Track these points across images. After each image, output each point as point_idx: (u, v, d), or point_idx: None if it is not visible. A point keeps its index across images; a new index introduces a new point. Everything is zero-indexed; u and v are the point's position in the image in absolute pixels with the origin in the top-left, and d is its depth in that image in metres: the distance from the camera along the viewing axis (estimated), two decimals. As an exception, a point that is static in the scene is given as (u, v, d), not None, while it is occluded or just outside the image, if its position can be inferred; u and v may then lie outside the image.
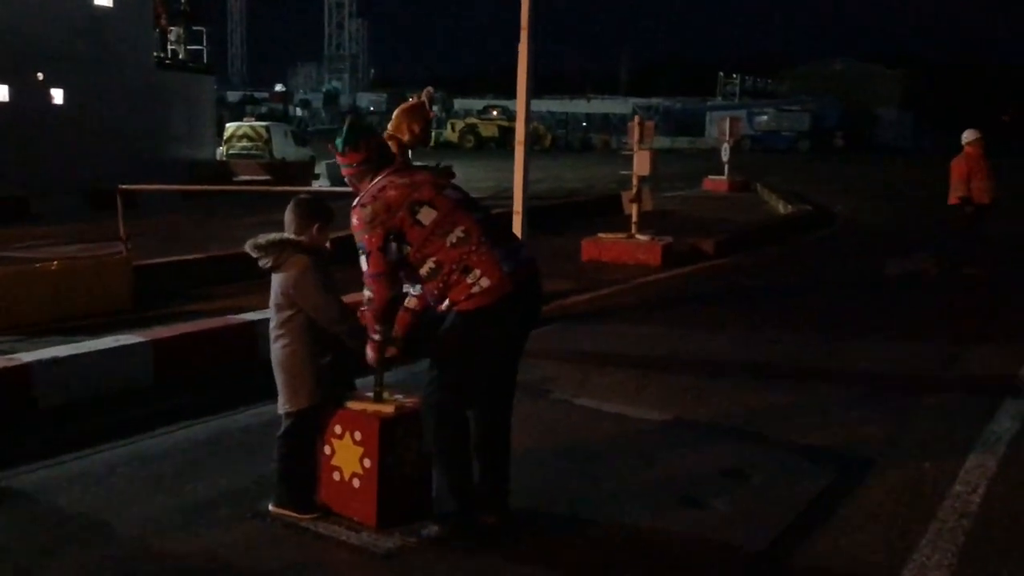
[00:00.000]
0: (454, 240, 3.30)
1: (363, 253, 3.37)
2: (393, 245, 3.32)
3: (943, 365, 6.79)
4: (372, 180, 3.47)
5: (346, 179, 3.58)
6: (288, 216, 3.64)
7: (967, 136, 10.62)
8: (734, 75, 61.81)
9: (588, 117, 57.85)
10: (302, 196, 3.82)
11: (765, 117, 48.54)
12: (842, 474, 4.43)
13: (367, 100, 62.62)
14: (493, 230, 3.43)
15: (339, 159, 3.55)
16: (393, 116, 5.05)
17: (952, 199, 10.48)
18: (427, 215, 3.32)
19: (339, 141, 3.53)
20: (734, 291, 9.89)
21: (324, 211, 3.67)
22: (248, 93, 63.67)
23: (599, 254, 11.19)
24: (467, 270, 3.28)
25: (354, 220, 3.39)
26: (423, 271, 3.35)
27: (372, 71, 74.83)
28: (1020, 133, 52.63)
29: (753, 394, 5.78)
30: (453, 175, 4.52)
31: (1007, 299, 9.64)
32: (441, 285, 3.33)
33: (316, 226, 3.61)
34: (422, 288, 3.43)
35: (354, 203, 3.44)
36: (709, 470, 4.37)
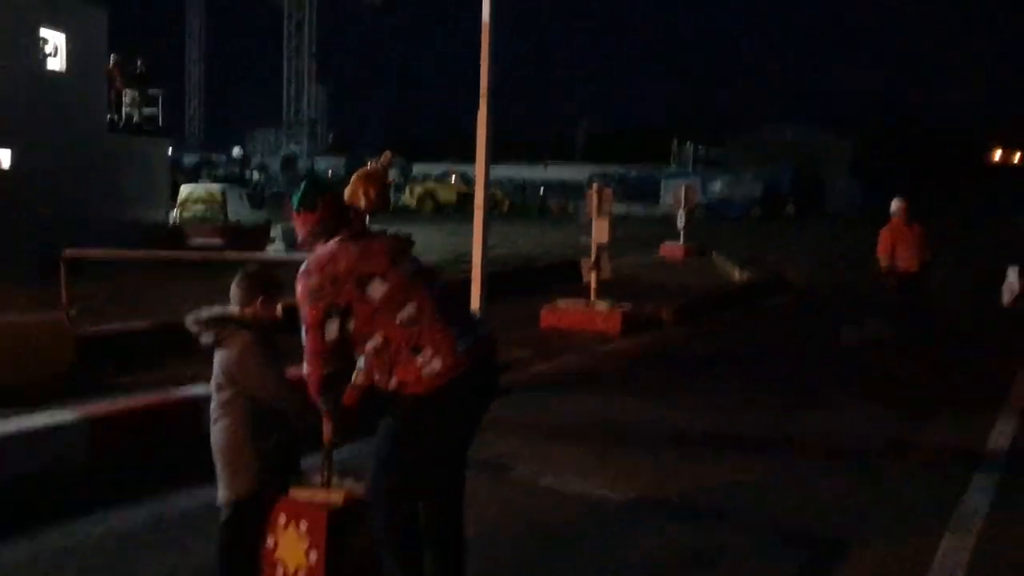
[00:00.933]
0: (404, 317, 3.08)
1: (303, 326, 3.17)
2: (336, 321, 3.09)
3: (907, 434, 6.73)
4: (326, 243, 3.25)
5: (299, 240, 3.38)
6: (233, 289, 3.46)
7: (893, 206, 10.94)
8: (687, 143, 63.12)
9: (546, 183, 58.45)
10: (248, 267, 3.64)
11: (718, 184, 49.44)
12: (815, 557, 4.27)
13: (325, 164, 62.69)
14: (448, 306, 3.22)
15: (294, 218, 3.35)
16: (350, 182, 4.91)
17: (880, 266, 10.80)
18: (377, 289, 3.10)
19: (295, 198, 3.34)
20: (694, 359, 9.83)
21: (270, 283, 3.49)
22: (205, 156, 63.41)
23: (558, 321, 11.08)
24: (417, 349, 3.05)
25: (298, 288, 3.17)
26: (368, 348, 3.11)
27: (331, 135, 75.18)
28: (964, 200, 54.22)
29: (717, 468, 5.64)
30: (412, 244, 4.40)
31: (955, 364, 9.69)
32: (388, 364, 3.08)
33: (261, 299, 3.42)
34: (366, 365, 3.18)
35: (300, 268, 3.22)
36: (673, 556, 4.19)
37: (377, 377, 3.14)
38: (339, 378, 3.22)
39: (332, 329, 3.10)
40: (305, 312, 3.14)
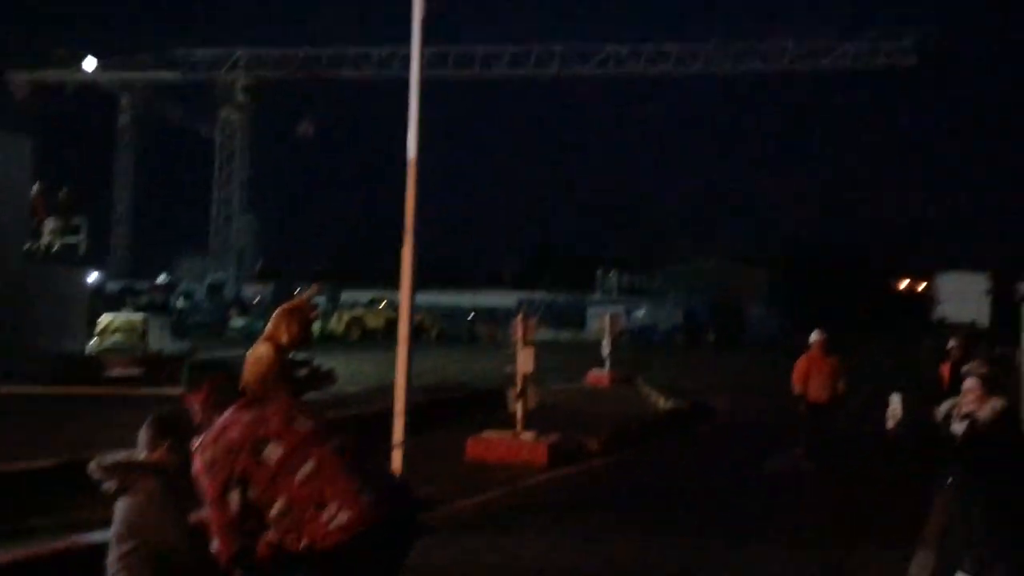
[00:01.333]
0: (303, 476, 3.03)
1: (206, 500, 3.09)
2: (236, 492, 3.03)
3: (832, 573, 6.77)
4: (220, 417, 3.23)
5: (195, 421, 3.35)
6: (141, 434, 3.39)
7: (812, 337, 11.39)
8: (612, 271, 64.71)
9: (474, 309, 58.88)
10: (159, 411, 3.58)
11: (642, 313, 50.51)
12: None
13: (252, 291, 62.19)
14: (352, 459, 3.18)
15: (185, 399, 3.35)
16: (272, 316, 4.91)
17: (794, 394, 11.12)
18: (273, 452, 3.05)
19: (183, 381, 3.36)
20: (620, 492, 9.80)
21: (180, 427, 3.43)
22: (128, 284, 62.32)
23: (484, 453, 10.99)
24: (322, 506, 3.00)
25: (195, 463, 3.13)
26: (272, 513, 3.03)
27: (259, 263, 74.80)
28: (875, 327, 56.28)
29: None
30: (334, 380, 4.34)
31: (868, 495, 9.86)
32: (296, 525, 3.01)
33: (168, 443, 3.35)
34: (275, 529, 3.10)
35: (195, 444, 3.19)
36: None
37: (287, 539, 3.07)
38: (250, 552, 3.13)
39: (234, 500, 3.03)
40: (205, 486, 3.08)
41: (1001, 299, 37.51)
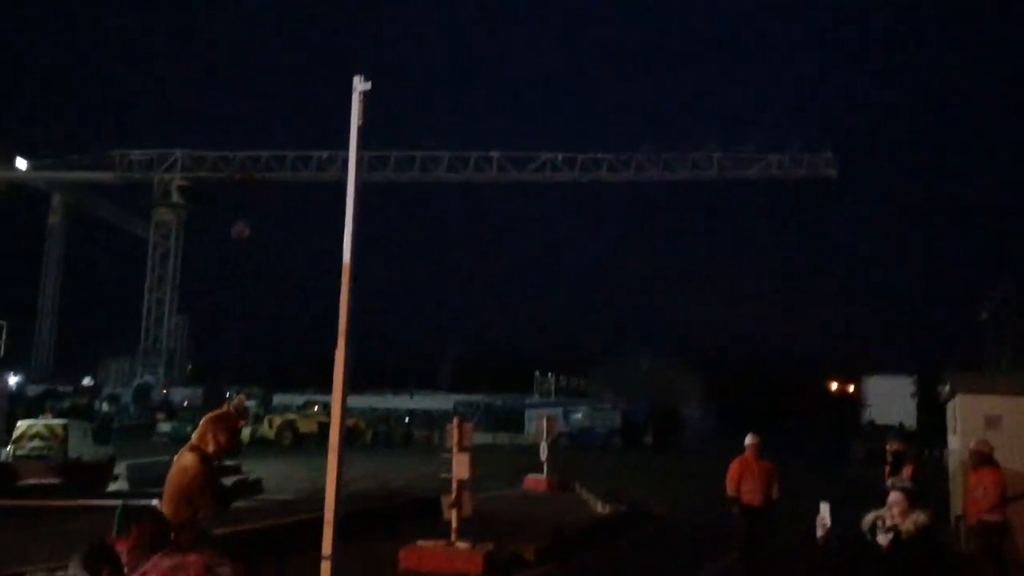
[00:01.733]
0: None
1: None
2: None
3: None
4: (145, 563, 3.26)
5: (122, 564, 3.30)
6: (73, 570, 3.24)
7: (746, 440, 11.46)
8: (549, 373, 64.80)
9: (411, 413, 58.13)
10: (85, 547, 3.41)
11: (580, 415, 50.46)
12: None
13: (181, 395, 60.45)
14: None
15: (114, 543, 3.34)
16: (200, 424, 4.77)
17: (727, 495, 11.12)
18: None
19: (114, 525, 3.39)
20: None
21: (109, 559, 3.29)
22: (51, 387, 60.16)
23: (418, 563, 10.67)
24: None
25: None
26: None
27: (190, 365, 73.08)
28: (806, 430, 57.02)
29: None
30: (261, 490, 4.26)
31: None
32: None
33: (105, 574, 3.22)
34: None
35: None
36: None
37: None
38: None
39: None
40: None
41: (926, 401, 38.49)
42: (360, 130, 8.51)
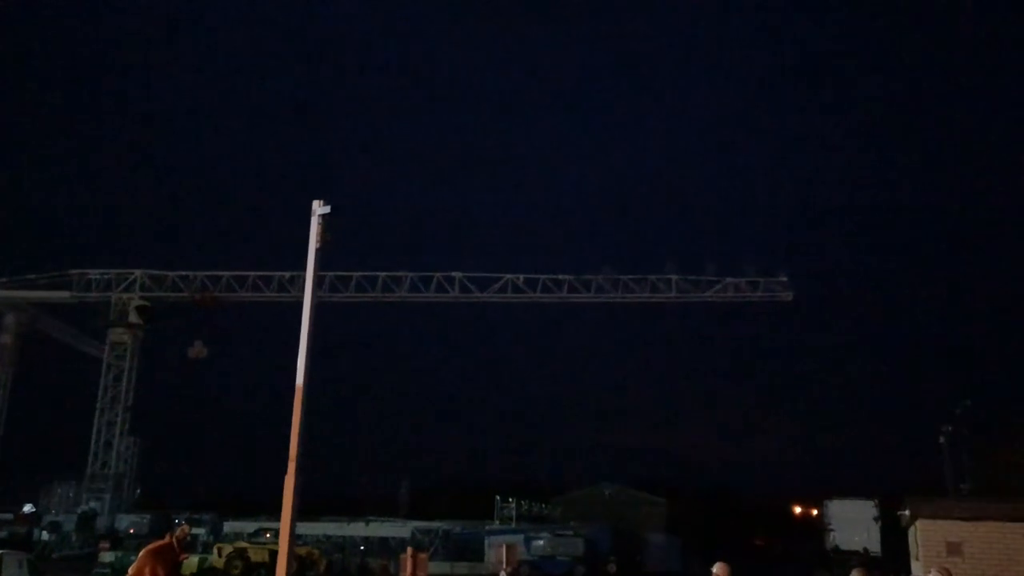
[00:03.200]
0: None
1: None
2: None
3: None
4: None
5: None
6: None
7: (715, 570, 11.23)
8: (510, 499, 63.45)
9: (367, 540, 56.25)
10: None
11: (542, 542, 49.16)
12: None
13: (127, 522, 57.93)
14: None
15: None
16: (138, 557, 4.55)
17: None
18: None
19: None
20: None
21: None
22: (-11, 514, 57.52)
23: None
24: None
25: None
26: None
27: (138, 491, 70.50)
28: (771, 556, 56.14)
29: None
30: None
31: None
32: None
33: None
34: None
35: None
36: None
37: None
38: None
39: None
40: None
41: (889, 525, 38.21)
42: (318, 252, 8.55)
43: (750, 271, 52.74)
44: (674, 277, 53.26)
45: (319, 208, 8.64)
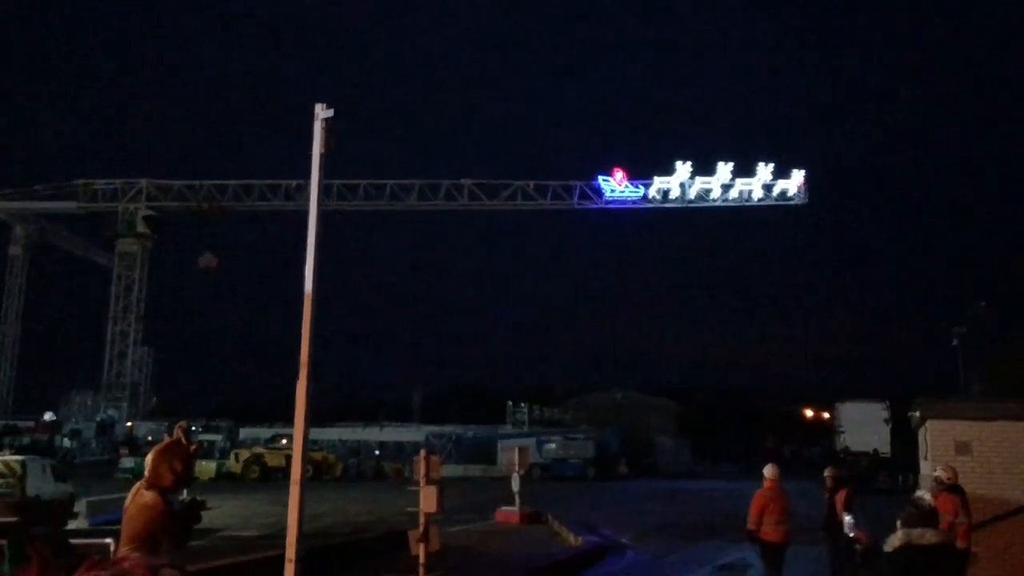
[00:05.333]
0: None
1: None
2: None
3: None
4: None
5: None
6: None
7: (767, 471, 11.14)
8: (522, 404, 64.38)
9: (381, 445, 57.44)
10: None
11: (553, 445, 50.05)
12: None
13: (145, 429, 59.16)
14: None
15: None
16: (147, 461, 4.48)
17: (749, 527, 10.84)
18: None
19: (6, 566, 3.07)
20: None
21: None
22: (10, 423, 58.75)
23: (383, 602, 10.32)
24: None
25: None
26: None
27: (154, 399, 71.79)
28: (781, 457, 57.04)
29: None
30: (204, 508, 4.05)
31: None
32: None
33: None
34: None
35: None
36: None
37: None
38: None
39: None
40: None
41: (899, 427, 38.61)
42: (322, 158, 8.31)
43: (764, 173, 51.92)
44: (684, 180, 52.55)
45: (322, 112, 8.35)
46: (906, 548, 4.87)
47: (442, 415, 69.99)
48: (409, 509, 11.63)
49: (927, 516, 5.07)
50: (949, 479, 9.85)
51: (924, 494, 7.37)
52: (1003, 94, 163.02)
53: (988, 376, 35.86)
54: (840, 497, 11.18)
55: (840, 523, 10.89)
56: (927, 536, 4.89)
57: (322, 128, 8.12)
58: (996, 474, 13.60)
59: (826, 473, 11.71)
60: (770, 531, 10.66)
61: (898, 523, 4.99)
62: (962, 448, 14.28)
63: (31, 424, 59.11)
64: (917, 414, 17.15)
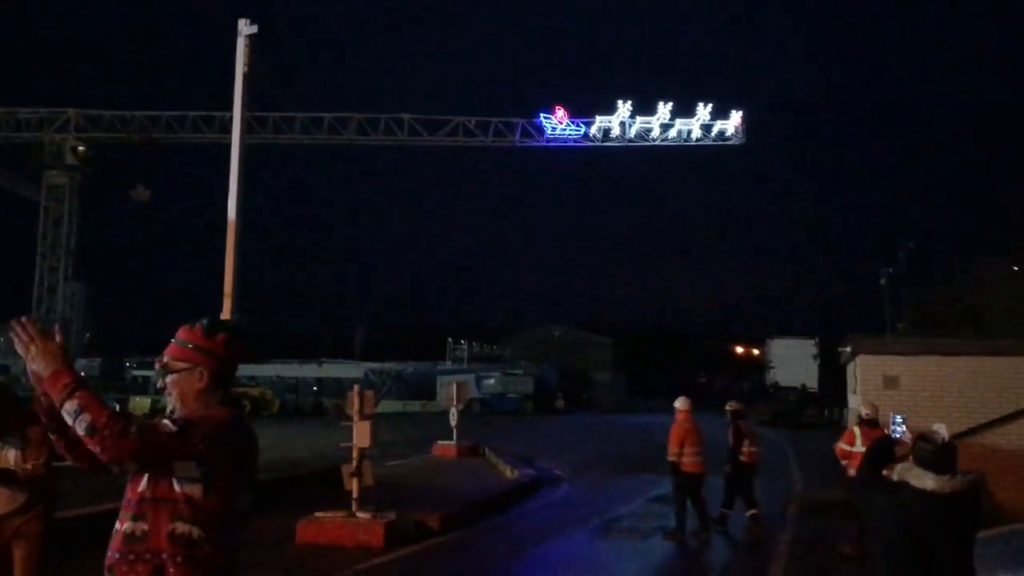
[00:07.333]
0: (233, 543, 2.71)
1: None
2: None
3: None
4: (200, 401, 2.77)
5: (168, 361, 2.84)
6: None
7: (678, 404, 11.37)
8: (461, 341, 64.50)
9: (319, 381, 57.17)
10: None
11: (492, 380, 50.40)
12: None
13: (78, 365, 57.86)
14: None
15: (183, 334, 2.85)
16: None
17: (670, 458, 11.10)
18: (242, 500, 2.74)
19: (209, 322, 2.87)
20: (459, 574, 9.27)
21: None
22: (-69, 360, 56.91)
23: (316, 536, 10.22)
24: None
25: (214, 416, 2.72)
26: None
27: (87, 335, 70.09)
28: (713, 392, 58.39)
29: None
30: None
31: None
32: (178, 560, 2.56)
33: None
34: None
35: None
36: None
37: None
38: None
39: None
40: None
41: (828, 363, 39.66)
42: (245, 77, 7.92)
43: (703, 113, 51.89)
44: (625, 119, 52.31)
45: (245, 28, 7.94)
46: (925, 495, 3.68)
47: (382, 353, 69.85)
48: (343, 445, 11.51)
49: (942, 455, 3.74)
50: (867, 415, 10.37)
51: (940, 427, 7.41)
52: (938, 23, 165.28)
53: (912, 316, 36.91)
54: (733, 430, 11.81)
55: (734, 451, 11.68)
56: (955, 482, 3.70)
57: (245, 45, 7.72)
58: (923, 407, 14.04)
59: (728, 407, 12.20)
60: (689, 463, 10.91)
61: (908, 462, 3.85)
62: (890, 382, 14.68)
63: (-46, 361, 57.31)
64: (848, 349, 17.55)
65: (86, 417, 2.47)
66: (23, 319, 2.64)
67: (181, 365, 2.80)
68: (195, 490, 2.55)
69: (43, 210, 60.24)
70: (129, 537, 2.55)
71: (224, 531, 2.62)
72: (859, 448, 9.88)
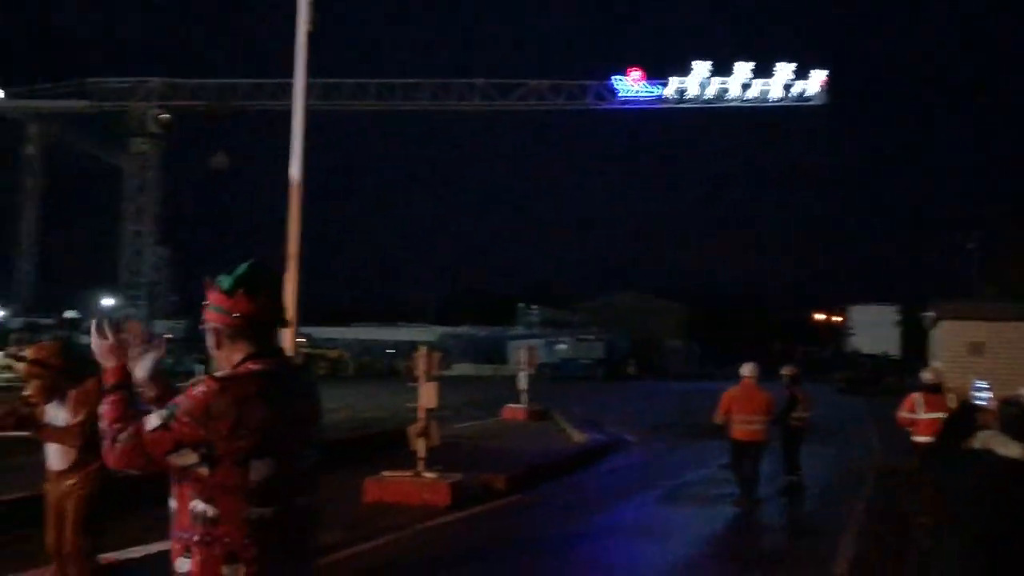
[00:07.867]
0: (255, 516, 2.47)
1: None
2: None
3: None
4: (238, 357, 2.62)
5: (207, 328, 2.70)
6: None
7: (743, 369, 11.09)
8: (533, 306, 64.58)
9: (396, 345, 58.08)
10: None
11: (563, 346, 50.38)
12: None
13: (164, 327, 59.94)
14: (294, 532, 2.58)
15: (214, 297, 2.70)
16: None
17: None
18: (260, 469, 2.47)
19: (228, 278, 2.68)
20: (524, 539, 9.27)
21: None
22: (32, 320, 59.49)
23: (383, 495, 10.36)
24: (232, 559, 2.44)
25: (201, 388, 2.49)
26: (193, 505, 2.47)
27: (175, 297, 72.45)
28: (791, 360, 57.27)
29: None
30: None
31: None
32: (196, 540, 2.45)
33: None
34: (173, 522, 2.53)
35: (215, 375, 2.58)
36: None
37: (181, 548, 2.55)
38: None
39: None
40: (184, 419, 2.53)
41: (910, 330, 38.52)
42: (309, 35, 7.92)
43: (784, 72, 50.31)
44: (702, 80, 51.06)
45: (308, -14, 7.90)
46: (1012, 464, 3.43)
47: (456, 317, 70.47)
48: (409, 405, 11.59)
49: None
50: (929, 380, 10.10)
51: None
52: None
53: (1002, 282, 35.44)
54: (788, 395, 11.69)
55: (789, 417, 11.54)
56: None
57: (308, 3, 7.71)
58: (1010, 375, 13.47)
59: (782, 371, 12.05)
60: (737, 430, 10.65)
61: (992, 430, 3.61)
62: (975, 349, 14.11)
63: (52, 321, 59.86)
64: (932, 314, 16.94)
65: (102, 421, 2.51)
66: (111, 320, 2.69)
67: (210, 326, 2.70)
68: (202, 469, 2.44)
69: (128, 177, 62.24)
70: (173, 515, 2.55)
71: (244, 505, 2.44)
72: (922, 415, 9.62)
